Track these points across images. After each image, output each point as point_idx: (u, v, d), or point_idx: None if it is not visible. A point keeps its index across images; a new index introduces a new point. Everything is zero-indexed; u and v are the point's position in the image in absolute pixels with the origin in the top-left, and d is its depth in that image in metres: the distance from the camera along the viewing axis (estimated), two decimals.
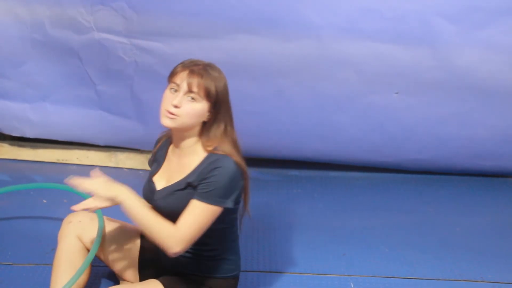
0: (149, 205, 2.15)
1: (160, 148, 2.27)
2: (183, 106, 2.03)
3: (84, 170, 3.58)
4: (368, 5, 3.04)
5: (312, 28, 3.07)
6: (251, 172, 3.60)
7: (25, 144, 3.65)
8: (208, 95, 2.04)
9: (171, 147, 2.21)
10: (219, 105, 2.07)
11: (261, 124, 3.37)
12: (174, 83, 2.05)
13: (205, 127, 2.10)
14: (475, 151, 3.47)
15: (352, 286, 2.54)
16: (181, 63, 2.09)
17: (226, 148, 2.08)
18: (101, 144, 3.58)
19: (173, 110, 2.02)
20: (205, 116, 2.07)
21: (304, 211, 3.18)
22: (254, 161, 3.64)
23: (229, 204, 2.06)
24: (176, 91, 2.05)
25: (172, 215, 2.08)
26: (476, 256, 2.80)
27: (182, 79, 2.04)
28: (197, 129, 2.10)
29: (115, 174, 3.56)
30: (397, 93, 3.23)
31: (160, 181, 2.18)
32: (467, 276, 2.64)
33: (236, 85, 3.26)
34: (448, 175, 3.66)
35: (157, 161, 2.25)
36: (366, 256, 2.77)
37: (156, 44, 3.16)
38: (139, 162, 3.62)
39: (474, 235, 3.01)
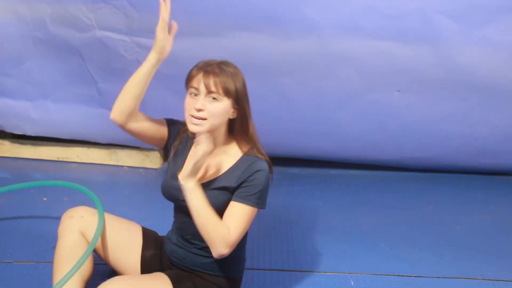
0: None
1: (181, 144, 2.24)
2: (207, 108, 2.03)
3: (84, 168, 3.60)
4: (369, 3, 3.03)
5: (313, 26, 3.06)
6: None
7: (26, 142, 3.65)
8: (227, 92, 2.04)
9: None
10: (241, 100, 2.08)
11: (262, 122, 3.33)
12: (192, 87, 2.05)
13: (233, 125, 2.12)
14: (476, 149, 3.47)
15: (352, 283, 2.54)
16: (195, 66, 2.09)
17: (258, 148, 2.13)
18: (102, 142, 3.58)
19: (198, 114, 2.03)
20: (230, 113, 2.08)
21: (304, 209, 3.18)
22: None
23: (265, 205, 2.11)
24: (196, 95, 2.05)
25: None
26: (477, 254, 2.80)
27: (199, 81, 2.04)
28: (224, 127, 2.11)
29: (115, 172, 3.58)
30: (398, 91, 3.23)
31: None
32: (467, 274, 2.64)
33: None
34: (449, 173, 3.66)
35: (179, 158, 2.21)
36: (366, 254, 2.77)
37: None
38: (139, 160, 3.62)
39: (475, 233, 3.01)
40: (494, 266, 2.71)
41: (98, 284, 2.42)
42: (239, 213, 2.06)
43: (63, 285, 1.99)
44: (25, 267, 2.56)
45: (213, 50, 3.11)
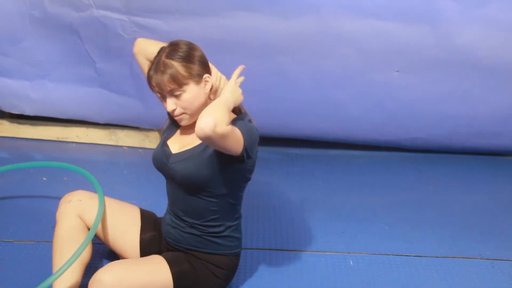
0: None
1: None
2: (177, 105, 2.08)
3: (84, 148, 3.60)
4: None
5: (312, 5, 3.05)
6: None
7: (25, 122, 3.64)
8: (182, 82, 2.05)
9: None
10: (205, 71, 2.10)
11: (260, 102, 3.36)
12: (156, 92, 2.10)
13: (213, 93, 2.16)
14: (476, 129, 3.46)
15: (351, 263, 2.56)
16: (149, 69, 2.10)
17: (245, 112, 2.17)
18: (101, 122, 3.58)
19: (176, 113, 2.09)
20: (202, 90, 2.10)
21: (304, 189, 3.19)
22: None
23: (253, 155, 2.09)
24: (162, 97, 2.10)
25: (188, 180, 2.10)
26: (475, 234, 2.81)
27: (155, 85, 2.07)
28: (207, 101, 2.13)
29: (115, 152, 3.57)
30: (397, 71, 3.22)
31: (174, 145, 2.19)
32: (465, 253, 2.66)
33: (235, 62, 3.24)
34: (447, 153, 3.66)
35: (170, 128, 2.27)
36: (365, 233, 2.78)
37: (156, 22, 3.14)
38: (138, 140, 3.62)
39: (474, 213, 3.02)
40: (492, 245, 2.72)
41: (97, 263, 2.44)
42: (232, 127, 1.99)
43: (63, 273, 2.00)
44: (25, 246, 2.56)
45: (212, 30, 3.10)
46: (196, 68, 2.07)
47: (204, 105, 2.11)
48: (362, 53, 3.17)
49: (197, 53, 2.10)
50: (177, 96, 2.06)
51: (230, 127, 1.93)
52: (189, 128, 2.20)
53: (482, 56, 3.16)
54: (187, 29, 3.05)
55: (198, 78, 2.08)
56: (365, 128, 3.48)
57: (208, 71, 2.12)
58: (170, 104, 2.07)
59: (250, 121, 2.15)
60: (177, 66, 2.04)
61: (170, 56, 2.06)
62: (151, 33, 3.15)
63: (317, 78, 3.26)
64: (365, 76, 3.25)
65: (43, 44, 3.34)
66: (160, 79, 2.04)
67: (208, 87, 2.12)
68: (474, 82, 3.25)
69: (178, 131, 2.24)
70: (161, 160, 2.18)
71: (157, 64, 2.07)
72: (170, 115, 2.26)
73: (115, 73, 3.38)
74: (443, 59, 3.17)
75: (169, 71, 2.03)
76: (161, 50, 2.11)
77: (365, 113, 3.39)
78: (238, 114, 2.17)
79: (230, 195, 2.15)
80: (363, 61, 3.20)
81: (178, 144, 2.19)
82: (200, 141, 2.11)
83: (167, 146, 2.20)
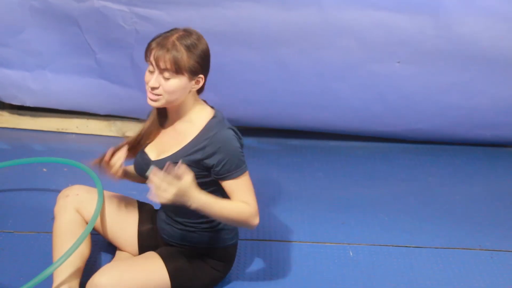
0: (218, 197, 2.08)
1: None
2: (161, 86, 2.02)
3: (84, 139, 3.60)
4: None
5: None
6: (252, 141, 3.61)
7: (25, 112, 3.64)
8: (179, 70, 2.00)
9: (163, 118, 2.19)
10: (203, 71, 2.05)
11: (261, 93, 3.36)
12: (149, 62, 2.03)
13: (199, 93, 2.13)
14: (476, 120, 3.46)
15: (351, 254, 2.56)
16: (154, 38, 2.05)
17: (218, 113, 2.13)
18: (101, 113, 3.57)
19: (154, 92, 2.03)
20: (189, 86, 2.05)
21: (304, 180, 3.19)
22: (254, 130, 3.64)
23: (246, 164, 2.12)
24: (151, 71, 2.03)
25: None
26: (475, 225, 2.82)
27: (153, 58, 2.01)
28: (190, 97, 2.09)
29: (115, 143, 3.56)
30: (398, 62, 3.21)
31: (152, 152, 2.16)
32: (465, 244, 2.66)
33: (236, 53, 3.25)
34: (448, 145, 3.66)
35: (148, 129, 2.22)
36: (365, 224, 2.78)
37: (156, 12, 3.13)
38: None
39: (474, 204, 3.02)
40: (492, 236, 2.72)
41: (96, 256, 2.44)
42: (242, 185, 2.08)
43: (62, 263, 2.00)
44: (26, 237, 2.57)
45: (212, 20, 3.09)
46: (197, 65, 2.02)
47: (186, 98, 2.07)
48: (363, 44, 3.16)
49: (204, 51, 2.05)
50: (166, 78, 2.01)
51: (252, 199, 2.08)
52: (166, 134, 2.16)
53: (483, 47, 3.15)
54: (188, 20, 3.04)
55: (194, 75, 2.04)
56: (366, 119, 3.48)
57: (205, 72, 2.08)
58: (155, 80, 2.01)
59: (229, 128, 2.10)
60: (183, 53, 1.99)
61: (181, 40, 2.01)
62: (152, 23, 3.14)
63: (318, 69, 3.26)
64: (366, 68, 3.24)
65: (43, 34, 3.33)
66: (162, 55, 1.98)
67: (196, 87, 2.08)
68: (475, 73, 3.24)
69: (156, 140, 2.19)
70: (142, 168, 2.16)
71: (165, 39, 2.01)
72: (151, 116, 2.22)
73: (116, 64, 3.37)
74: (444, 50, 3.17)
75: (174, 53, 1.98)
76: (174, 30, 2.06)
77: (365, 104, 3.38)
78: (209, 107, 2.14)
79: (219, 191, 2.13)
80: (364, 52, 3.19)
81: (155, 150, 2.16)
82: (177, 148, 2.10)
83: (145, 153, 2.17)
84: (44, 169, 3.14)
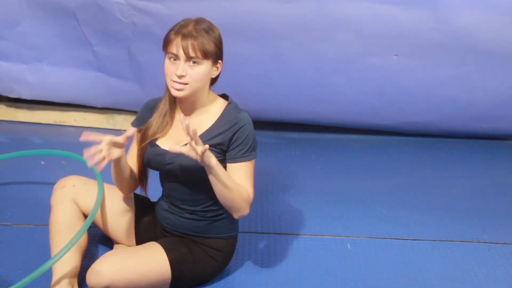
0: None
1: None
2: (188, 74, 2.04)
3: (81, 132, 3.58)
4: None
5: None
6: None
7: (22, 105, 3.64)
8: (206, 55, 2.04)
9: (175, 110, 2.19)
10: (221, 56, 2.11)
11: (259, 86, 3.35)
12: (171, 52, 2.05)
13: (215, 79, 2.16)
14: (474, 113, 3.46)
15: (349, 247, 2.56)
16: (172, 29, 2.07)
17: (232, 99, 2.19)
18: (99, 106, 3.57)
19: (180, 80, 2.04)
20: (211, 73, 2.10)
21: (301, 173, 3.19)
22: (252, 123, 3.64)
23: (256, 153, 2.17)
24: (175, 59, 2.04)
25: (189, 173, 2.10)
26: (472, 217, 2.82)
27: (177, 47, 2.03)
28: (206, 86, 2.13)
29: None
30: (396, 55, 3.21)
31: (166, 144, 2.15)
32: (463, 237, 2.67)
33: (234, 46, 3.24)
34: (446, 138, 3.66)
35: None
36: (363, 217, 2.78)
37: (154, 5, 3.12)
38: None
39: (471, 197, 3.03)
40: (489, 229, 2.73)
41: (94, 249, 2.44)
42: (246, 171, 2.12)
43: (61, 257, 2.01)
44: (24, 230, 2.57)
45: (210, 13, 3.06)
46: (217, 49, 2.07)
47: (205, 87, 2.11)
48: (361, 37, 3.16)
49: (220, 36, 2.11)
50: (192, 66, 2.03)
51: (252, 188, 2.12)
52: (178, 127, 2.16)
53: (481, 40, 3.15)
54: (186, 12, 3.00)
55: (216, 60, 2.08)
56: (364, 112, 3.48)
57: (222, 58, 2.12)
58: (183, 69, 2.03)
59: (246, 111, 2.17)
60: (206, 38, 2.03)
61: (199, 26, 2.04)
62: (149, 16, 3.13)
63: (316, 62, 3.25)
64: (364, 60, 3.24)
65: (40, 27, 3.32)
66: (189, 43, 2.01)
67: (216, 73, 2.12)
68: (473, 66, 3.24)
69: (169, 130, 2.19)
70: (157, 160, 2.16)
71: (184, 28, 2.03)
72: (150, 111, 2.21)
73: (113, 57, 3.37)
74: (442, 43, 3.17)
75: (201, 39, 2.02)
76: (186, 19, 2.08)
77: (363, 97, 3.38)
78: (225, 99, 2.19)
79: None
80: (362, 45, 3.19)
81: (170, 142, 2.16)
82: (198, 134, 2.10)
83: (158, 146, 2.16)
84: (42, 162, 3.14)
